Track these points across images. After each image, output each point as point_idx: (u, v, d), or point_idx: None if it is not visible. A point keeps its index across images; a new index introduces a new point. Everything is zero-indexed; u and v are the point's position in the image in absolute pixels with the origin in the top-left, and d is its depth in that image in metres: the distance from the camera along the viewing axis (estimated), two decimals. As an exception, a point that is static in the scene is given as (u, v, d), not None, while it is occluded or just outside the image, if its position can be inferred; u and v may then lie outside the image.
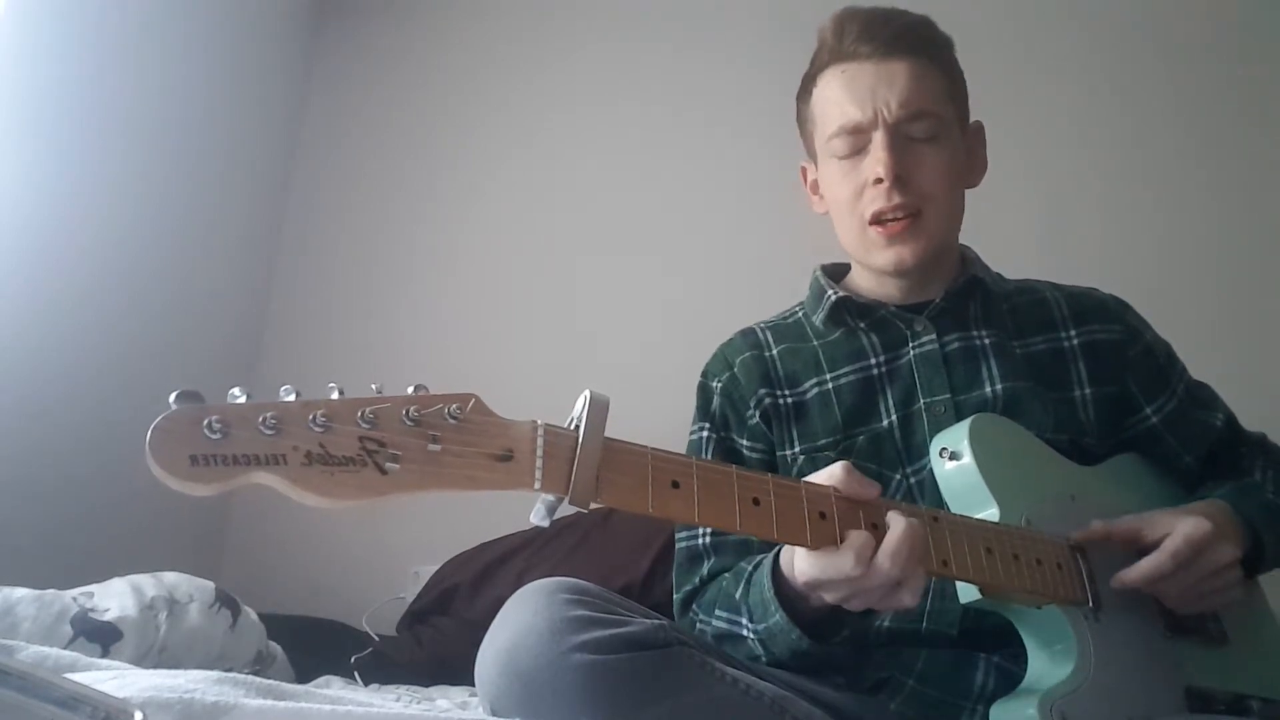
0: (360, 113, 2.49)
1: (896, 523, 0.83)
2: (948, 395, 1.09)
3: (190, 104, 2.13)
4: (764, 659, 0.99)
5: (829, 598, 0.86)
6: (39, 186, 1.76)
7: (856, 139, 1.09)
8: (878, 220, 1.09)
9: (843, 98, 1.10)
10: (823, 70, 1.14)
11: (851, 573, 0.81)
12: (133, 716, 0.57)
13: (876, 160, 1.07)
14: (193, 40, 2.12)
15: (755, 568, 1.01)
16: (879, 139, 1.07)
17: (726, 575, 1.07)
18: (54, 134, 1.80)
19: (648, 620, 0.88)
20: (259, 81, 2.39)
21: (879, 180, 1.07)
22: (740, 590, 1.01)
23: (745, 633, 0.99)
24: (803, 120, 1.19)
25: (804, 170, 1.23)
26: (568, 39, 2.43)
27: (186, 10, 2.10)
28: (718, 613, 1.04)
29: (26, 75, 1.73)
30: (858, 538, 0.82)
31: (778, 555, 0.94)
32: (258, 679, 0.85)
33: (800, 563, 0.86)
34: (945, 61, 1.14)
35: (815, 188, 1.20)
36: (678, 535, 1.16)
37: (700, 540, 1.12)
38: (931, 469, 1.02)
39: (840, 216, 1.14)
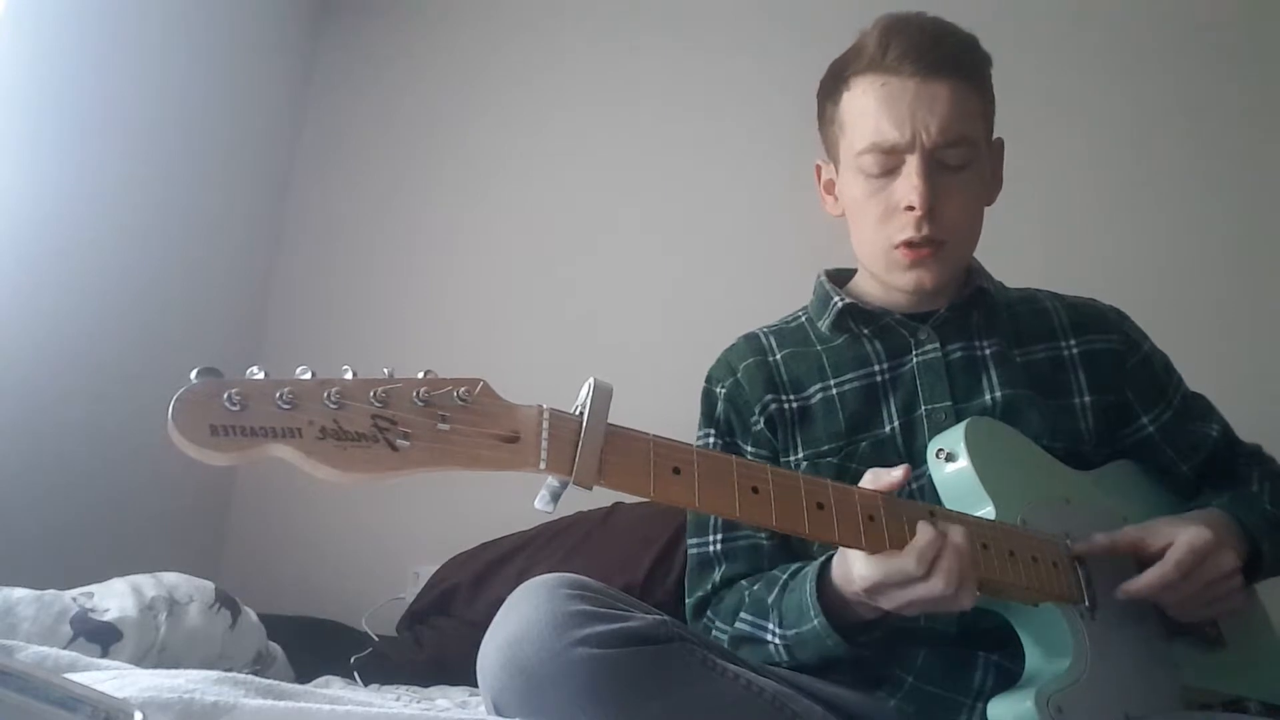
0: (361, 109, 2.49)
1: (955, 531, 0.85)
2: (949, 403, 1.10)
3: (191, 102, 2.13)
4: (784, 664, 1.00)
5: (886, 604, 0.87)
6: (38, 186, 1.76)
7: (889, 159, 1.06)
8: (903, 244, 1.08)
9: (880, 114, 1.05)
10: (858, 75, 1.09)
11: (915, 572, 0.83)
12: (132, 716, 0.58)
13: (911, 188, 1.04)
14: (194, 38, 2.13)
15: (791, 575, 1.02)
16: (914, 165, 1.04)
17: (747, 583, 1.08)
18: (55, 133, 1.80)
19: (649, 616, 0.88)
20: (260, 79, 2.40)
21: (910, 208, 1.05)
22: (774, 596, 1.02)
23: (769, 637, 1.01)
24: (827, 120, 1.15)
25: (818, 169, 1.20)
26: (569, 36, 2.44)
27: (187, 9, 2.12)
28: (743, 615, 1.05)
29: (27, 75, 1.73)
30: (923, 536, 0.84)
31: (823, 565, 0.95)
32: (258, 679, 0.85)
33: (861, 568, 0.87)
34: (984, 81, 1.11)
35: (830, 188, 1.18)
36: (689, 542, 1.16)
37: (711, 547, 1.13)
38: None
39: (862, 231, 1.12)
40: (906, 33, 1.06)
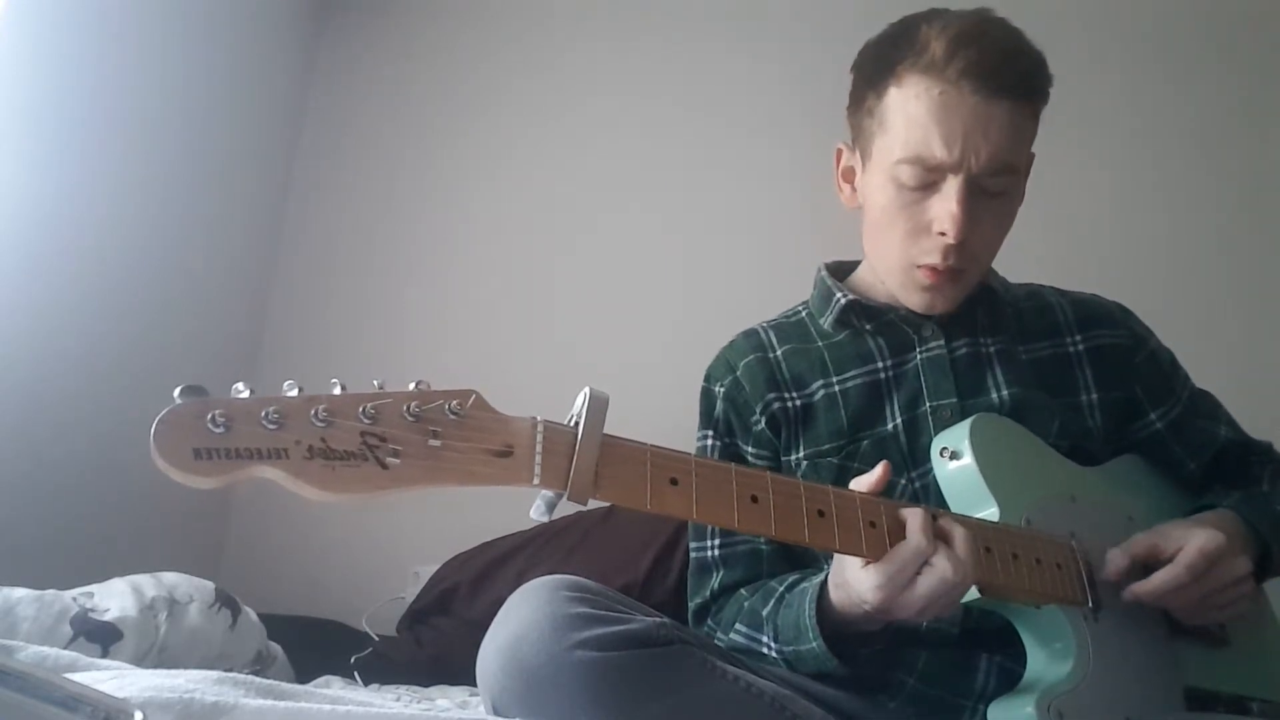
0: (362, 108, 2.48)
1: (956, 534, 0.85)
2: (954, 399, 1.08)
3: (191, 102, 2.13)
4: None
5: (902, 612, 0.85)
6: (38, 187, 1.76)
7: (929, 175, 1.00)
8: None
9: (929, 126, 0.98)
10: (913, 74, 1.00)
11: (928, 549, 0.82)
12: (133, 716, 0.57)
13: (948, 214, 0.99)
14: (194, 38, 2.12)
15: (788, 589, 1.01)
16: (955, 188, 0.98)
17: (746, 593, 1.08)
18: (55, 133, 1.79)
19: (649, 618, 0.88)
20: (260, 78, 2.39)
21: (943, 234, 1.00)
22: (769, 609, 1.01)
23: (765, 650, 1.00)
24: (865, 109, 1.06)
25: (839, 153, 1.14)
26: (570, 34, 2.42)
27: (187, 9, 2.11)
28: (738, 626, 1.04)
29: (27, 75, 1.73)
30: (914, 517, 0.84)
31: (822, 585, 0.94)
32: (258, 679, 0.84)
33: (868, 578, 0.84)
34: (1043, 104, 1.05)
35: (849, 176, 1.13)
36: (690, 545, 1.16)
37: (709, 552, 1.12)
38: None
39: (886, 244, 1.07)
40: (979, 45, 0.98)
